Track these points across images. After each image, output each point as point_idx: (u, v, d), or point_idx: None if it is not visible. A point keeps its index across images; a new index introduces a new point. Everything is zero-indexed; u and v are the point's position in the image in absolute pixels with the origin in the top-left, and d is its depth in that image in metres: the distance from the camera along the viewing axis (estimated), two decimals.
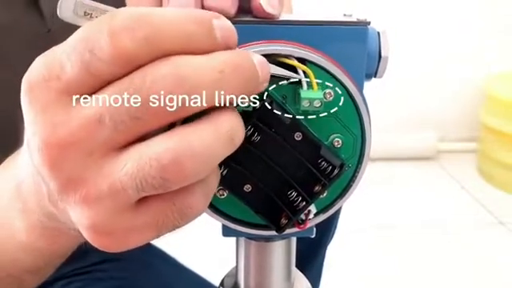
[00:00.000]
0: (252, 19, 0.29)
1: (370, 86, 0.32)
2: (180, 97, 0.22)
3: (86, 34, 0.22)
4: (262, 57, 0.24)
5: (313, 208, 0.30)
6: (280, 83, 0.28)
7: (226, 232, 0.32)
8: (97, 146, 0.22)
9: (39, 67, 0.23)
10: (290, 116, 0.27)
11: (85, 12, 0.25)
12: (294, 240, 0.35)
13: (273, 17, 0.28)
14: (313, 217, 0.30)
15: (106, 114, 0.22)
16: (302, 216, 0.29)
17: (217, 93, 0.22)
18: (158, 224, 0.24)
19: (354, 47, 0.29)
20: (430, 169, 1.97)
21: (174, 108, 0.22)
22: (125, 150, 0.23)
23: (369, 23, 0.29)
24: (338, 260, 1.17)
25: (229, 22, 0.24)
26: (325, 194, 0.29)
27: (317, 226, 0.32)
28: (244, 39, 0.28)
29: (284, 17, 0.30)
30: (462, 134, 2.07)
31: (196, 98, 0.22)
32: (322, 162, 0.28)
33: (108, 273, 0.61)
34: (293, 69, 0.27)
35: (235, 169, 0.28)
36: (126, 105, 0.22)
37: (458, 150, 2.05)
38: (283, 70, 0.27)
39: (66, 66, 0.22)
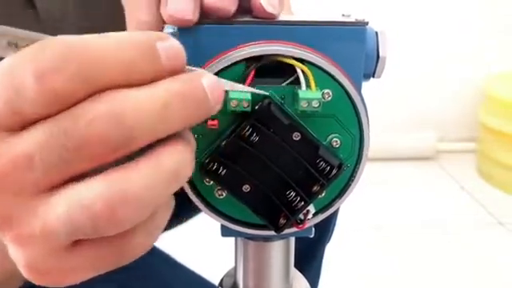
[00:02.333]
0: (250, 19, 0.29)
1: (370, 86, 0.32)
2: (118, 137, 0.20)
3: (10, 69, 0.20)
4: (213, 77, 0.23)
5: (311, 208, 0.30)
6: (280, 84, 0.28)
7: (225, 232, 0.32)
8: (27, 186, 0.21)
9: None
10: (289, 116, 0.27)
11: (8, 42, 0.22)
12: (292, 240, 0.35)
13: (273, 16, 0.27)
14: (311, 217, 0.30)
15: (36, 154, 0.20)
16: (301, 216, 0.29)
17: (160, 127, 0.21)
18: (94, 266, 0.23)
19: (353, 47, 0.29)
20: (430, 169, 1.97)
21: (111, 150, 0.20)
22: (57, 192, 0.21)
23: (367, 23, 0.29)
24: (337, 260, 1.17)
25: (175, 42, 0.22)
26: (323, 194, 0.30)
27: (315, 225, 0.32)
28: (242, 39, 0.28)
29: (282, 17, 0.31)
30: (462, 134, 2.07)
31: (137, 137, 0.20)
32: (320, 162, 0.28)
33: (107, 273, 0.61)
34: (291, 69, 0.28)
35: (234, 169, 0.28)
36: (57, 146, 0.20)
37: (457, 150, 2.05)
38: (242, 85, 0.26)
39: None
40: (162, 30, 0.30)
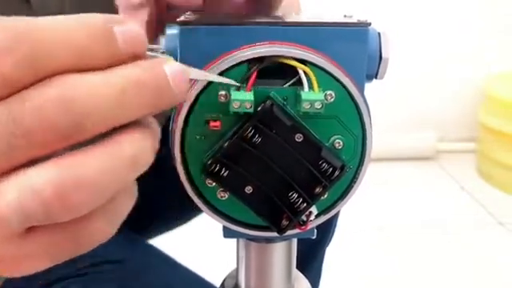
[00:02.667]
0: (252, 20, 0.29)
1: (369, 86, 0.32)
2: (69, 123, 0.19)
3: None
4: (176, 65, 0.22)
5: (314, 209, 0.30)
6: (282, 85, 0.28)
7: (227, 233, 0.32)
8: None
9: None
10: (291, 118, 0.27)
11: None
12: (294, 241, 0.35)
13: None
14: (314, 218, 0.30)
15: None
16: (303, 217, 0.29)
17: (116, 115, 0.20)
18: (49, 253, 0.22)
19: (355, 48, 0.29)
20: (430, 169, 1.97)
21: (62, 136, 0.19)
22: (6, 179, 0.20)
23: (369, 24, 0.29)
24: (338, 260, 1.17)
25: (135, 26, 0.21)
26: (326, 196, 0.29)
27: (317, 226, 0.32)
28: (244, 40, 0.28)
29: (284, 18, 0.30)
30: (462, 134, 2.07)
31: (89, 124, 0.19)
32: (322, 163, 0.28)
33: (107, 274, 0.61)
34: (294, 70, 0.27)
35: (236, 170, 0.28)
36: (5, 133, 0.19)
37: (457, 150, 2.05)
38: (208, 74, 0.26)
39: None
40: (162, 27, 0.30)
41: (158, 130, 0.23)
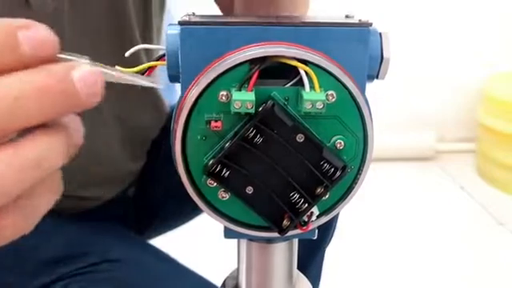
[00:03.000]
0: (254, 20, 0.29)
1: (369, 86, 0.32)
2: None
3: None
4: (87, 69, 0.22)
5: (315, 210, 0.30)
6: (283, 86, 0.28)
7: (228, 234, 0.32)
8: None
9: None
10: (293, 118, 0.27)
11: None
12: (295, 242, 0.35)
13: None
14: (315, 219, 0.30)
15: None
16: (305, 218, 0.29)
17: (11, 119, 0.20)
18: None
19: (356, 49, 0.29)
20: (429, 169, 1.97)
21: None
22: None
23: (371, 24, 0.29)
24: (338, 261, 1.17)
25: (42, 31, 0.21)
26: (327, 196, 0.29)
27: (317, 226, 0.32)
28: (246, 41, 0.28)
29: (286, 18, 0.30)
30: (461, 135, 2.07)
31: None
32: (324, 163, 0.28)
33: (107, 273, 0.61)
34: (295, 70, 0.27)
35: (237, 171, 0.28)
36: None
37: (457, 150, 2.05)
38: (128, 76, 0.25)
39: None
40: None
41: (75, 132, 0.23)
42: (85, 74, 0.21)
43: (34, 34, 0.21)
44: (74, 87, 0.21)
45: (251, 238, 0.33)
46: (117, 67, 0.26)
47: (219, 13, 0.57)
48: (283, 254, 0.34)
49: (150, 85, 0.26)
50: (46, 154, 0.21)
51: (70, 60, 0.23)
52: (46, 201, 0.23)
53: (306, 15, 0.46)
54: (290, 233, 0.30)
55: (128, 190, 0.76)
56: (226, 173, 0.28)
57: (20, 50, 0.20)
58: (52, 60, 0.22)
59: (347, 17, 0.31)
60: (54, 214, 0.68)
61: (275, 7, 0.44)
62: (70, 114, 0.22)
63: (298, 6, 0.46)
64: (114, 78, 0.24)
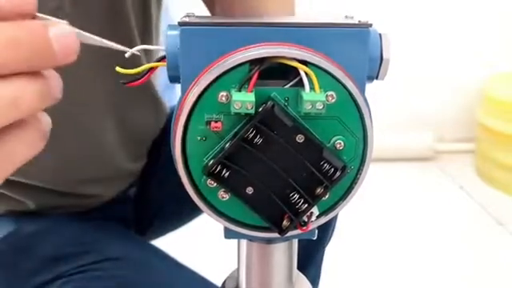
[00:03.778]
0: (254, 21, 0.29)
1: (368, 86, 0.32)
2: None
3: None
4: (63, 28, 0.23)
5: (315, 210, 0.30)
6: (283, 86, 0.28)
7: (228, 234, 0.32)
8: None
9: None
10: (292, 118, 0.27)
11: None
12: (295, 242, 0.35)
13: None
14: (315, 219, 0.30)
15: None
16: (305, 218, 0.29)
17: None
18: None
19: (356, 49, 0.29)
20: (428, 169, 1.97)
21: None
22: None
23: (370, 25, 0.29)
24: (338, 261, 1.17)
25: None
26: (327, 196, 0.29)
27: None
28: (246, 41, 0.28)
29: (286, 19, 0.30)
30: (460, 135, 2.07)
31: None
32: (324, 164, 0.28)
33: (107, 271, 0.61)
34: (295, 70, 0.27)
35: (237, 171, 0.28)
36: None
37: (456, 150, 2.05)
38: (101, 39, 0.26)
39: None
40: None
41: (52, 83, 0.24)
42: (61, 32, 0.23)
43: None
44: (50, 43, 0.22)
45: (251, 239, 0.34)
46: (94, 36, 0.26)
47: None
48: (283, 254, 0.34)
49: (123, 49, 0.27)
50: (22, 93, 0.22)
51: (49, 20, 0.23)
52: (20, 151, 0.24)
53: (306, 16, 0.46)
54: (290, 233, 0.30)
55: (128, 190, 0.76)
56: (225, 173, 0.28)
57: None
58: (30, 17, 0.23)
59: (347, 17, 0.31)
60: (54, 213, 0.68)
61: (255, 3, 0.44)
62: (44, 69, 0.23)
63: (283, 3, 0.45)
64: (90, 41, 0.26)
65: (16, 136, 0.24)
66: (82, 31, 0.25)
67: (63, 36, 0.23)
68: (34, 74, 0.23)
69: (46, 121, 0.25)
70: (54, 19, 0.24)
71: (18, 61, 0.22)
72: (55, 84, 0.24)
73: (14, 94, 0.22)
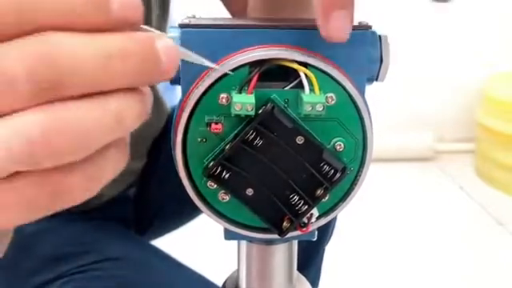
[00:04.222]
0: (253, 23, 0.29)
1: (367, 86, 0.32)
2: (49, 79, 0.19)
3: None
4: (169, 42, 0.22)
5: (315, 211, 0.30)
6: (283, 88, 0.28)
7: (228, 235, 0.32)
8: None
9: None
10: (292, 120, 0.27)
11: None
12: (295, 243, 0.35)
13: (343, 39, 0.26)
14: (315, 220, 0.30)
15: None
16: (305, 219, 0.29)
17: (98, 79, 0.20)
18: (27, 205, 0.22)
19: (356, 51, 0.29)
20: (428, 170, 1.97)
21: (42, 89, 0.19)
22: None
23: (370, 27, 0.29)
24: (337, 261, 1.17)
25: None
26: (327, 198, 0.30)
27: None
28: (245, 43, 0.28)
29: (286, 20, 0.31)
30: (460, 135, 2.07)
31: (69, 83, 0.20)
32: (324, 165, 0.28)
33: (108, 271, 0.61)
34: (295, 72, 0.28)
35: (237, 173, 0.28)
36: None
37: (456, 150, 2.05)
38: (197, 56, 0.25)
39: None
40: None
41: (149, 96, 0.23)
42: (168, 46, 0.22)
43: None
44: (158, 56, 0.21)
45: (251, 240, 0.34)
46: (191, 53, 0.26)
47: (219, 15, 0.58)
48: (283, 255, 0.34)
49: (213, 66, 0.26)
50: (126, 110, 0.21)
51: (152, 31, 0.23)
52: (111, 167, 0.23)
53: (306, 17, 0.46)
54: (290, 234, 0.30)
55: (128, 190, 0.76)
56: (226, 175, 0.28)
57: (108, 8, 0.20)
58: (136, 28, 0.22)
59: None
60: (54, 213, 0.68)
61: (294, 10, 0.44)
62: (149, 83, 0.22)
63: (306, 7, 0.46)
64: (185, 56, 0.25)
65: (109, 154, 0.23)
66: (180, 46, 0.24)
67: (169, 49, 0.22)
68: (135, 89, 0.22)
69: (128, 137, 0.24)
70: (156, 31, 0.23)
71: (125, 74, 0.21)
72: (150, 100, 0.23)
73: (118, 109, 0.21)
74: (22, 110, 0.20)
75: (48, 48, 0.19)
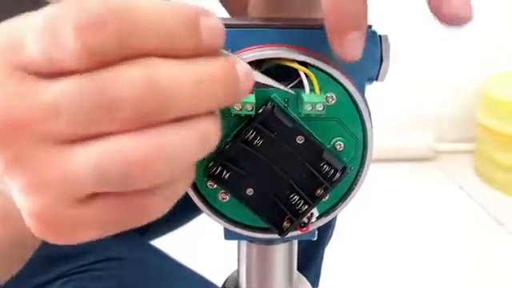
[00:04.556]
0: (254, 23, 0.29)
1: (368, 87, 0.32)
2: (152, 102, 0.20)
3: (52, 18, 0.20)
4: (246, 66, 0.23)
5: (315, 211, 0.30)
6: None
7: (228, 235, 0.32)
8: (52, 133, 0.20)
9: (1, 34, 0.21)
10: (292, 120, 0.27)
11: None
12: (295, 243, 0.35)
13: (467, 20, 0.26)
14: (315, 220, 0.30)
15: (64, 104, 0.20)
16: (305, 219, 0.29)
17: (192, 102, 0.21)
18: (107, 221, 0.22)
19: None
20: (428, 170, 1.97)
21: (142, 114, 0.20)
22: (86, 142, 0.21)
23: (370, 27, 0.29)
24: (337, 261, 1.17)
25: (218, 21, 0.22)
26: (327, 198, 0.30)
27: None
28: (246, 43, 0.28)
29: (286, 20, 0.31)
30: (460, 135, 2.07)
31: (171, 106, 0.20)
32: (324, 165, 0.28)
33: (108, 271, 0.61)
34: (295, 72, 0.28)
35: (237, 172, 0.28)
36: (86, 102, 0.20)
37: (456, 150, 2.05)
38: (268, 78, 0.26)
39: (29, 44, 0.20)
40: None
41: (220, 117, 0.24)
42: (245, 70, 0.23)
43: (213, 23, 0.22)
44: (238, 81, 0.22)
45: (251, 240, 0.34)
46: (263, 75, 0.26)
47: (219, 15, 0.58)
48: (283, 255, 0.34)
49: (284, 89, 0.27)
50: (211, 132, 0.22)
51: (228, 55, 0.23)
52: (183, 186, 0.24)
53: (306, 17, 0.46)
54: (290, 234, 0.30)
55: None
56: (226, 174, 0.28)
57: (200, 36, 0.21)
58: (219, 51, 0.23)
59: None
60: None
61: (296, 9, 0.44)
62: (230, 105, 0.23)
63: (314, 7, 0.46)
64: (257, 78, 0.25)
65: (183, 173, 0.24)
66: (254, 70, 0.25)
67: (247, 73, 0.23)
68: (213, 112, 0.23)
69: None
70: (228, 53, 0.24)
71: (213, 98, 0.22)
72: (220, 117, 0.24)
73: (205, 132, 0.22)
74: (125, 132, 0.21)
75: (151, 73, 0.20)
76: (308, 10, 0.45)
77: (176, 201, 0.24)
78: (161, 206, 0.23)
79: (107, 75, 0.20)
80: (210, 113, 0.23)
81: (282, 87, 0.27)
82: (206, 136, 0.22)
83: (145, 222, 0.23)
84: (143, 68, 0.20)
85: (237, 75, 0.22)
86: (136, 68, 0.20)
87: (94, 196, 0.22)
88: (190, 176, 0.25)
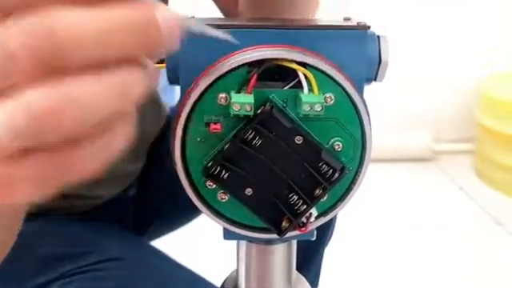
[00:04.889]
0: (253, 24, 0.29)
1: (366, 87, 0.32)
2: (51, 52, 0.19)
3: None
4: (171, 14, 0.22)
5: (314, 211, 0.30)
6: (282, 88, 0.28)
7: (227, 235, 0.32)
8: None
9: None
10: (291, 120, 0.28)
11: None
12: (294, 243, 0.35)
13: None
14: (314, 220, 0.30)
15: None
16: (303, 219, 0.29)
17: (100, 50, 0.20)
18: (41, 177, 0.22)
19: (354, 51, 0.29)
20: (427, 170, 1.97)
21: (45, 63, 0.20)
22: None
23: (368, 27, 0.29)
24: (337, 261, 1.17)
25: None
26: (325, 198, 0.30)
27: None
28: (244, 43, 0.28)
29: (285, 20, 0.31)
30: (459, 135, 2.07)
31: (73, 55, 0.20)
32: (322, 165, 0.28)
33: (108, 272, 0.61)
34: (294, 72, 0.28)
35: (236, 172, 0.28)
36: None
37: (455, 150, 2.05)
38: (209, 28, 0.25)
39: None
40: None
41: (153, 69, 0.23)
42: (167, 15, 0.22)
43: None
44: (157, 27, 0.21)
45: (250, 240, 0.34)
46: (198, 24, 0.25)
47: (219, 15, 0.57)
48: (282, 255, 0.34)
49: (225, 38, 0.26)
50: (131, 81, 0.22)
51: (150, 1, 0.23)
52: (116, 142, 0.23)
53: (305, 18, 0.46)
54: (289, 234, 0.30)
55: (128, 191, 0.76)
56: (225, 174, 0.28)
57: None
58: None
59: (346, 19, 0.31)
60: (54, 214, 0.68)
61: (282, 8, 0.44)
62: (149, 53, 0.22)
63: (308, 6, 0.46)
64: (187, 24, 0.25)
65: (116, 127, 0.23)
66: (183, 17, 0.24)
67: (169, 19, 0.22)
68: (138, 62, 0.22)
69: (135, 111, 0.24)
70: (154, 1, 0.23)
71: (125, 44, 0.21)
72: (155, 75, 0.23)
73: (123, 82, 0.21)
74: (28, 85, 0.20)
75: (47, 22, 0.20)
76: (288, 11, 0.45)
77: (112, 155, 0.23)
78: (91, 163, 0.23)
79: (11, 28, 0.20)
80: (131, 61, 0.22)
81: (224, 36, 0.25)
82: (124, 86, 0.22)
83: (78, 177, 0.23)
84: (44, 18, 0.20)
85: (154, 21, 0.21)
86: (37, 18, 0.20)
87: (25, 152, 0.21)
88: (127, 130, 0.24)
